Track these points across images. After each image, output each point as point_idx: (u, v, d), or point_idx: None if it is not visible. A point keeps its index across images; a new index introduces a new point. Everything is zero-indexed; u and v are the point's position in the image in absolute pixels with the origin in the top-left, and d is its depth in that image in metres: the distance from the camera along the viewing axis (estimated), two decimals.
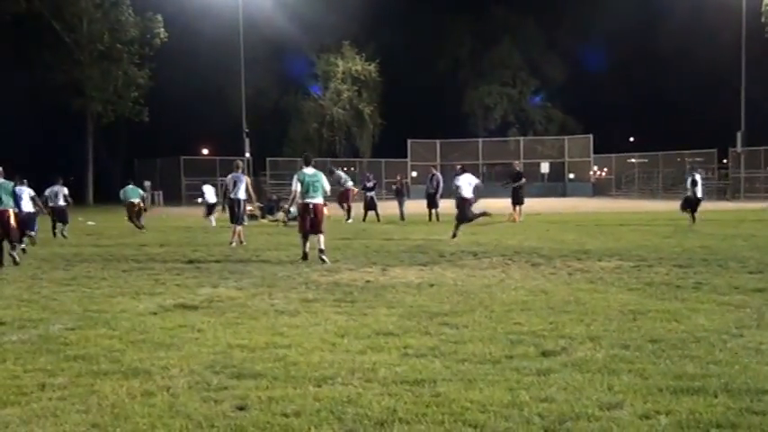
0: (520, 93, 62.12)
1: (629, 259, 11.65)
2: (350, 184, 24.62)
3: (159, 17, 45.35)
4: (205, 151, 55.12)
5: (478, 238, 16.36)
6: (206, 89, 51.92)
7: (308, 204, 12.20)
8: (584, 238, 16.04)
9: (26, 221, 15.43)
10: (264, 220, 24.68)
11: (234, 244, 15.29)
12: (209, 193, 23.82)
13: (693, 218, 19.24)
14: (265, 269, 11.11)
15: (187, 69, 49.51)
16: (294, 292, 8.70)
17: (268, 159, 46.14)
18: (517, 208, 22.78)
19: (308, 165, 12.59)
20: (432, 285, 9.13)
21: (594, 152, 51.48)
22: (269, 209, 25.80)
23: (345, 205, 23.66)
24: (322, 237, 12.05)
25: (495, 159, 52.93)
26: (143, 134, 49.24)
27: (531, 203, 25.15)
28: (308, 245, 12.25)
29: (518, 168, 25.01)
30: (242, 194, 15.66)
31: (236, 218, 15.61)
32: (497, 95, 61.26)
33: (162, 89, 46.44)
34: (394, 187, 23.06)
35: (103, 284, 9.67)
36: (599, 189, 50.12)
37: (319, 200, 12.29)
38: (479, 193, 17.38)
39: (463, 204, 16.62)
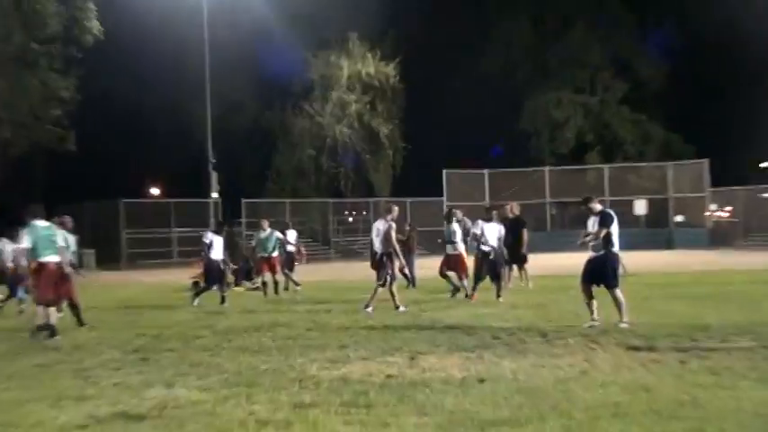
0: (602, 102, 62.24)
1: (767, 339, 11.53)
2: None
3: (91, 5, 46.03)
4: (155, 192, 55.69)
5: (548, 312, 16.26)
6: (157, 105, 52.66)
7: (43, 264, 13.98)
8: (702, 308, 15.94)
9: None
10: (240, 288, 24.42)
11: (371, 309, 16.54)
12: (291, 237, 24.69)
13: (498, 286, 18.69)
14: (241, 360, 11.09)
15: (130, 78, 50.25)
16: (283, 394, 8.68)
17: (244, 201, 46.49)
18: (514, 269, 21.77)
19: (36, 217, 14.16)
20: (482, 381, 9.12)
21: (712, 184, 51.35)
22: (245, 272, 25.50)
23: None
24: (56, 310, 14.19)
25: (567, 196, 52.43)
26: (68, 169, 49.76)
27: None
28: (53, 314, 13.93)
29: (516, 212, 22.34)
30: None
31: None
32: (570, 106, 61.58)
33: (94, 106, 46.99)
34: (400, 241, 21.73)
35: (11, 385, 9.69)
36: (719, 237, 49.89)
37: (56, 258, 14.16)
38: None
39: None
